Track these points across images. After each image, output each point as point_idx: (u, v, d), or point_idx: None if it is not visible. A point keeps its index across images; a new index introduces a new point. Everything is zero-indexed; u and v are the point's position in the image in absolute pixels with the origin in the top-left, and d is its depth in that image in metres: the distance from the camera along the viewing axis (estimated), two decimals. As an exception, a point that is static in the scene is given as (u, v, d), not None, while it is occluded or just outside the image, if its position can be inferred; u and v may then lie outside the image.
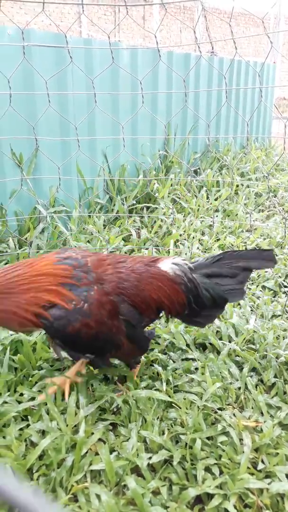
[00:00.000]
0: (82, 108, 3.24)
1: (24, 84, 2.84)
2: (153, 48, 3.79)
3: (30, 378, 1.76)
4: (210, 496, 1.34)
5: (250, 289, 2.58)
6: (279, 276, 2.75)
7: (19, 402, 1.62)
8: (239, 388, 1.77)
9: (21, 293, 1.42)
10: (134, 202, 3.60)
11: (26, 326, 1.45)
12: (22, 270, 1.46)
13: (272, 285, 2.64)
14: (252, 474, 1.40)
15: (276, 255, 2.95)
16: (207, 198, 4.11)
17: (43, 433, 1.51)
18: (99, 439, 1.50)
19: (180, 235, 3.27)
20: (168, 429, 1.56)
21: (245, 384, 1.77)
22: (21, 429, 1.54)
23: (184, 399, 1.68)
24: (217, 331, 2.13)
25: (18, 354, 1.82)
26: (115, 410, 1.66)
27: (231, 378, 1.82)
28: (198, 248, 3.08)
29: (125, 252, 2.89)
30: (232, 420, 1.56)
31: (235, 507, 1.29)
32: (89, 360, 1.64)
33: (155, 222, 3.45)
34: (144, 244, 3.04)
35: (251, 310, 2.34)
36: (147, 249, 2.93)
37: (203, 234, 3.39)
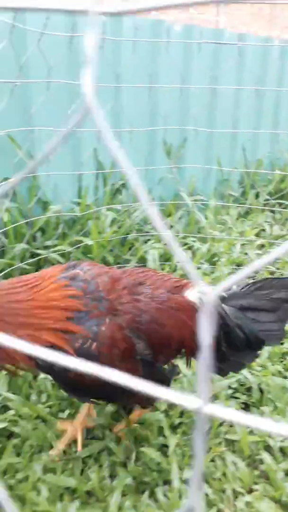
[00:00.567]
0: (228, 102, 3.34)
1: (182, 79, 3.03)
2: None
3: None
4: None
5: None
6: None
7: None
8: None
9: (17, 327, 1.13)
10: (268, 197, 3.60)
11: (13, 362, 1.19)
12: (25, 294, 1.17)
13: None
14: None
15: None
16: None
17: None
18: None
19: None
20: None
21: None
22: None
23: None
24: None
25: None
26: (246, 392, 1.77)
27: None
28: None
29: (256, 247, 2.95)
30: None
31: None
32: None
33: (287, 220, 3.42)
34: (277, 240, 3.05)
35: None
36: (278, 245, 2.94)
37: None
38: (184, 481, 1.34)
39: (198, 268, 2.58)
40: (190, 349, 1.35)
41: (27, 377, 1.69)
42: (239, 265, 2.64)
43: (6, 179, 2.26)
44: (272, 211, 3.50)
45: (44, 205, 2.45)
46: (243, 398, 1.72)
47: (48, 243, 2.35)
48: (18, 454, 1.42)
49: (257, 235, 3.19)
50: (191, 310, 1.30)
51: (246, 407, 1.71)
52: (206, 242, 2.88)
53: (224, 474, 1.41)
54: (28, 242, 2.29)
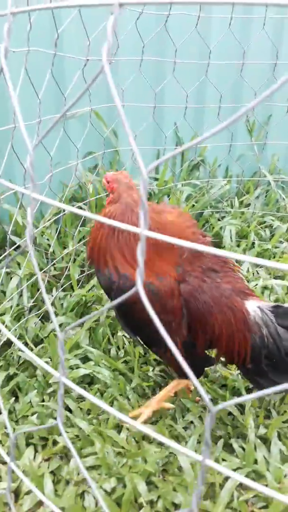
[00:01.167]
0: None
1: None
2: None
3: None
4: None
5: None
6: None
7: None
8: None
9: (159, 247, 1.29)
10: None
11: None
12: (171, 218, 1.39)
13: None
14: None
15: None
16: None
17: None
18: None
19: None
20: None
21: None
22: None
23: None
24: None
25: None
26: None
27: None
28: None
29: None
30: None
31: None
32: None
33: None
34: None
35: None
36: None
37: None
38: (259, 437, 1.40)
39: (277, 247, 2.55)
40: (221, 351, 1.37)
41: (106, 333, 1.82)
42: None
43: (90, 153, 2.40)
44: None
45: (125, 179, 2.56)
46: None
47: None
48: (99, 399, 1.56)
49: None
50: (242, 317, 1.32)
51: None
52: (285, 221, 2.82)
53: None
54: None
